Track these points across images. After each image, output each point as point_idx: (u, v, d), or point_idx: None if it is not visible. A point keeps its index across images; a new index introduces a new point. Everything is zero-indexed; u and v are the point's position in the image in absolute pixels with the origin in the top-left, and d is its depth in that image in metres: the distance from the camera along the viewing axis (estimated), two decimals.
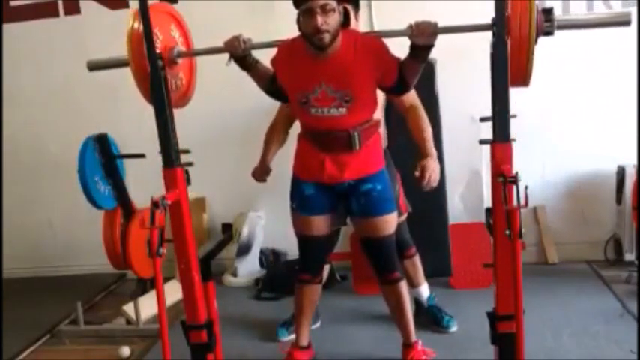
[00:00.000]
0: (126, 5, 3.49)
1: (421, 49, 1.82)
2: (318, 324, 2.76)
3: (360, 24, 2.91)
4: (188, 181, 1.96)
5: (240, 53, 1.93)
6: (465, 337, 2.53)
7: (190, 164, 1.98)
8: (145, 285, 3.14)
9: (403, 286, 2.26)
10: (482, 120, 1.77)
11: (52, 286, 3.65)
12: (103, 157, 2.88)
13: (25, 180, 3.81)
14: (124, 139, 3.07)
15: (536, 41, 1.63)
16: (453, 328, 2.61)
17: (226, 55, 1.95)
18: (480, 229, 2.72)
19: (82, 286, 3.55)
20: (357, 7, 2.38)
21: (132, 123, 3.38)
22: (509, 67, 1.63)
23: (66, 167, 3.03)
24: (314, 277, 2.33)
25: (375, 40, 1.98)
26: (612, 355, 2.30)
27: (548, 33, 1.66)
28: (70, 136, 3.08)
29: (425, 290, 2.72)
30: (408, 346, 2.32)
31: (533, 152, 3.24)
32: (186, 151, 1.96)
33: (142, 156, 2.82)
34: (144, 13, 1.76)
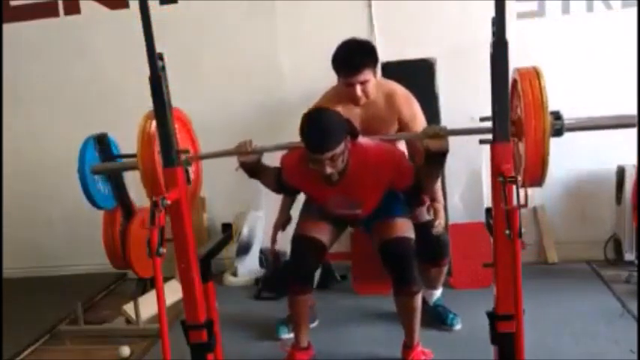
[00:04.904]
0: (126, 5, 3.47)
1: (435, 154, 1.87)
2: (315, 323, 2.75)
3: (360, 24, 2.93)
4: (188, 181, 1.96)
5: (247, 159, 2.05)
6: (465, 337, 2.53)
7: (190, 164, 1.98)
8: (145, 285, 3.13)
9: (418, 299, 2.23)
10: (482, 120, 1.77)
11: (52, 286, 3.64)
12: (103, 157, 2.88)
13: (25, 180, 3.81)
14: (124, 139, 3.06)
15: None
16: (458, 326, 2.61)
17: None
18: (480, 229, 2.71)
19: (82, 286, 3.54)
20: (376, 63, 2.33)
21: (132, 123, 3.37)
22: (526, 166, 1.66)
23: (66, 167, 3.03)
24: (304, 286, 2.34)
25: (390, 153, 2.08)
26: (612, 355, 2.30)
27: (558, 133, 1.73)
28: (70, 135, 3.07)
29: (437, 294, 2.74)
30: (408, 347, 2.33)
31: None
32: (186, 151, 1.96)
33: None
34: (144, 12, 1.76)
